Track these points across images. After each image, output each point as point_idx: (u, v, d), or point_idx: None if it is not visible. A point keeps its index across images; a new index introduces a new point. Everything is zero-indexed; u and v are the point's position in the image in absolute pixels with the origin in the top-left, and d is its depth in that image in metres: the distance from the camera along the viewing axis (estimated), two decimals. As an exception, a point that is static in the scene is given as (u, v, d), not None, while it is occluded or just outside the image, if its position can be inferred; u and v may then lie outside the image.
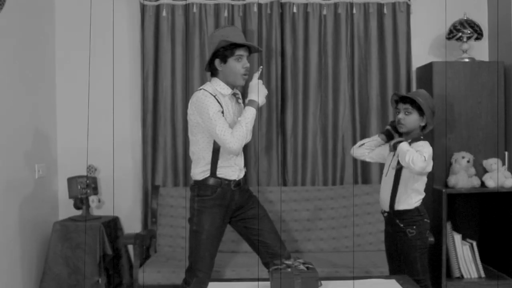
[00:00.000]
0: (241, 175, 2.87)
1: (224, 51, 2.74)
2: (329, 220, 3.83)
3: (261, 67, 2.96)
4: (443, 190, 3.54)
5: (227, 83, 2.80)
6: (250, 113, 2.74)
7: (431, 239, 3.19)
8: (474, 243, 3.69)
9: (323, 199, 3.87)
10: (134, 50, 4.07)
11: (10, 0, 3.39)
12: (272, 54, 3.99)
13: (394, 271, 2.94)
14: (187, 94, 3.98)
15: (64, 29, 4.08)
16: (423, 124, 2.83)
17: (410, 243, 2.79)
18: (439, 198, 3.58)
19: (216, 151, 2.76)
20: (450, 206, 3.73)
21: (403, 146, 2.75)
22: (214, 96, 2.73)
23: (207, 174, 2.78)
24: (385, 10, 4.02)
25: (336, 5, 4.03)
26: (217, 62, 2.77)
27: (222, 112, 2.72)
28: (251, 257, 3.61)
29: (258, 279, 2.65)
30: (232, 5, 4.01)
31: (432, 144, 3.72)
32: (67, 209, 3.99)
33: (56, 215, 4.05)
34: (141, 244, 3.59)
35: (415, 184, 2.80)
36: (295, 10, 4.03)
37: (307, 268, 2.40)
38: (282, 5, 4.03)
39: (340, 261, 3.47)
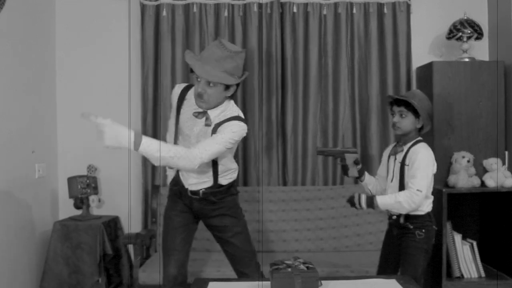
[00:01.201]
0: (200, 186, 2.74)
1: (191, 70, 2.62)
2: (329, 219, 3.83)
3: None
4: (443, 190, 3.54)
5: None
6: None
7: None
8: (474, 243, 3.69)
9: (323, 198, 3.87)
10: (134, 50, 4.07)
11: (10, 0, 3.38)
12: (272, 54, 3.99)
13: (383, 274, 2.90)
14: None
15: (64, 29, 4.08)
16: (419, 126, 2.77)
17: (417, 245, 2.72)
18: (439, 198, 3.57)
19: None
20: (450, 206, 3.73)
21: (384, 202, 2.67)
22: (187, 91, 2.65)
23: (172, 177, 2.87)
24: (385, 10, 4.02)
25: (336, 5, 4.03)
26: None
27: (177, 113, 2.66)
28: (251, 256, 3.62)
29: (263, 277, 2.65)
30: (232, 5, 4.01)
31: (432, 144, 3.73)
32: (67, 209, 3.99)
33: (56, 215, 4.05)
34: (141, 243, 3.59)
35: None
36: (295, 10, 4.03)
37: (307, 267, 2.40)
38: (282, 5, 4.03)
39: (340, 261, 3.47)
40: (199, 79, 2.55)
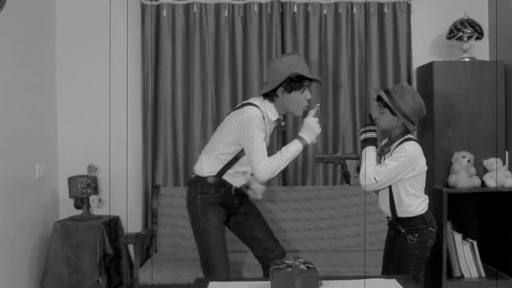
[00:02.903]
0: (243, 182, 2.91)
1: (291, 82, 2.70)
2: (329, 219, 3.83)
3: (318, 105, 2.95)
4: (444, 190, 3.54)
5: (283, 110, 2.79)
6: (295, 148, 2.72)
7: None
8: (475, 243, 3.69)
9: (324, 198, 3.87)
10: (134, 50, 4.07)
11: (10, 0, 3.38)
12: (272, 53, 3.99)
13: (386, 274, 2.85)
14: (187, 94, 3.99)
15: (64, 29, 4.08)
16: (399, 124, 2.58)
17: (407, 250, 2.61)
18: (440, 197, 3.58)
19: (235, 159, 2.78)
20: (451, 205, 3.73)
21: (367, 152, 2.60)
22: (263, 118, 2.71)
23: (214, 173, 2.78)
24: (385, 10, 4.02)
25: (336, 5, 4.03)
26: (280, 90, 2.71)
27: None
28: (251, 256, 3.61)
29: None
30: (233, 5, 4.01)
31: (432, 144, 3.74)
32: (67, 209, 3.99)
33: (57, 215, 4.05)
34: (142, 243, 3.59)
35: (408, 188, 2.58)
36: (295, 10, 4.03)
37: (308, 267, 2.40)
38: (282, 5, 4.03)
39: (341, 261, 3.47)
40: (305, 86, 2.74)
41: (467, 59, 3.85)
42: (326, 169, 4.04)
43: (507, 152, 3.80)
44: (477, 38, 3.90)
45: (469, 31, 3.85)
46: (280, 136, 4.01)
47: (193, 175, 2.87)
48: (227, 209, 2.87)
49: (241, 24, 4.01)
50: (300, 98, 2.74)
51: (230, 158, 2.78)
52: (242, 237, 3.00)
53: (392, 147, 2.63)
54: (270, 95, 2.74)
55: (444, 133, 3.76)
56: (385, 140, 2.77)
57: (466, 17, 3.89)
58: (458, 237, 3.67)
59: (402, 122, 2.57)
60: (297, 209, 3.85)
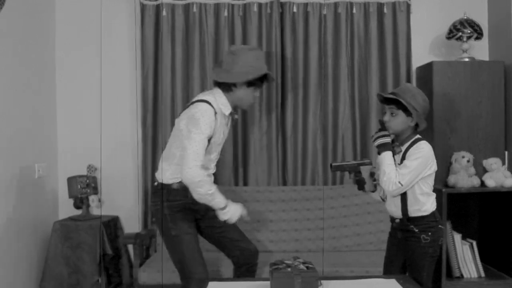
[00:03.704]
0: None
1: (255, 80, 2.76)
2: (329, 219, 3.83)
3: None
4: (443, 190, 3.54)
5: (233, 103, 2.80)
6: (217, 201, 2.69)
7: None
8: (474, 243, 3.69)
9: (323, 198, 3.87)
10: (134, 50, 4.07)
11: (10, 0, 3.38)
12: (272, 54, 3.99)
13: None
14: (187, 94, 3.99)
15: (63, 29, 4.08)
16: (412, 124, 2.60)
17: (422, 250, 2.60)
18: (439, 197, 3.56)
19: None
20: (450, 205, 3.73)
21: (385, 158, 2.57)
22: (215, 114, 2.71)
23: (177, 180, 2.73)
24: (385, 10, 4.02)
25: (336, 5, 4.03)
26: (241, 83, 2.75)
27: (209, 140, 2.70)
28: (251, 256, 3.62)
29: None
30: (232, 5, 4.01)
31: (432, 144, 3.72)
32: (67, 209, 3.99)
33: (56, 215, 4.05)
34: (141, 243, 3.59)
35: (422, 187, 2.59)
36: (295, 10, 4.03)
37: (307, 267, 2.40)
38: (282, 5, 4.03)
39: (340, 261, 3.47)
40: None
41: (467, 59, 3.85)
42: (325, 169, 4.04)
43: (506, 152, 3.80)
44: (477, 38, 3.90)
45: (469, 31, 3.85)
46: (280, 128, 4.02)
47: (155, 183, 2.83)
48: (195, 214, 2.85)
49: (240, 24, 4.01)
50: (251, 94, 2.80)
51: None
52: (215, 241, 2.97)
53: (403, 147, 2.63)
54: (227, 86, 2.76)
55: (444, 133, 3.76)
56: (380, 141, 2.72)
57: (465, 17, 3.89)
58: (457, 237, 3.67)
59: (417, 121, 2.59)
60: (296, 209, 3.85)
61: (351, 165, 2.72)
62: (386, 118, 2.62)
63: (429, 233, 2.59)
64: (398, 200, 2.63)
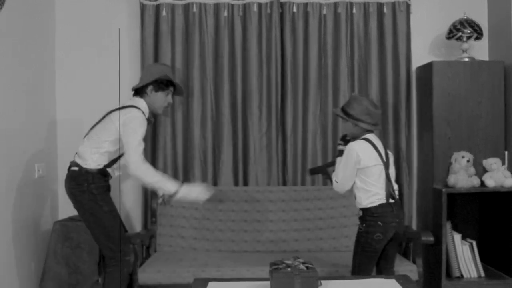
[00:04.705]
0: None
1: (161, 83, 3.22)
2: (328, 219, 3.84)
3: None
4: (443, 190, 3.55)
5: (149, 108, 3.23)
6: (167, 189, 3.09)
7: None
8: (474, 243, 3.69)
9: (323, 198, 3.87)
10: (134, 50, 4.07)
11: (10, 0, 3.38)
12: (271, 54, 3.99)
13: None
14: (187, 94, 3.99)
15: (63, 29, 4.08)
16: (356, 126, 2.98)
17: (357, 237, 2.98)
18: (439, 197, 3.58)
19: (118, 158, 3.16)
20: (450, 205, 3.73)
21: (337, 162, 3.05)
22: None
23: (101, 166, 3.10)
24: (385, 10, 4.02)
25: (336, 5, 4.03)
26: (150, 88, 3.22)
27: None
28: (251, 256, 3.63)
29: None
30: (232, 5, 4.01)
31: (431, 144, 3.75)
32: (67, 209, 3.97)
33: (56, 215, 4.05)
34: (141, 243, 3.59)
35: (357, 182, 2.95)
36: (295, 10, 4.03)
37: (307, 267, 2.41)
38: (282, 5, 4.03)
39: (340, 261, 3.47)
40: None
41: (467, 59, 3.85)
42: (325, 169, 4.05)
43: (506, 152, 3.80)
44: (477, 38, 3.90)
45: (469, 31, 3.85)
46: (280, 128, 4.04)
47: (76, 168, 3.12)
48: None
49: (240, 24, 4.01)
50: (164, 98, 3.27)
51: (115, 156, 3.13)
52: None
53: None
54: (140, 92, 3.23)
55: (444, 133, 3.76)
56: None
57: (465, 17, 3.89)
58: (457, 237, 3.67)
59: (354, 123, 2.97)
60: (296, 209, 3.85)
61: (319, 167, 3.42)
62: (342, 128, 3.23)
63: (364, 225, 2.94)
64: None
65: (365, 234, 2.92)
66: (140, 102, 3.21)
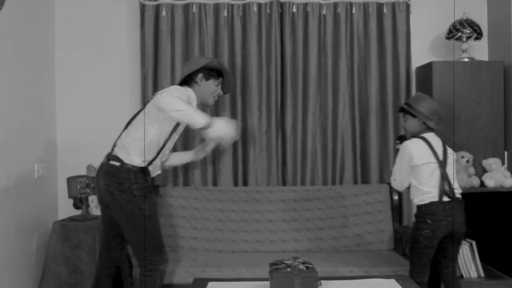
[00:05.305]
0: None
1: (210, 70, 3.05)
2: (328, 219, 3.84)
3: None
4: (443, 190, 3.55)
5: (198, 99, 3.02)
6: (202, 120, 2.70)
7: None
8: (474, 243, 3.69)
9: (323, 198, 3.87)
10: (133, 50, 4.07)
11: (10, 0, 3.38)
12: (271, 53, 3.99)
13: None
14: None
15: (63, 29, 4.08)
16: (419, 123, 3.07)
17: (412, 233, 3.06)
18: (439, 197, 3.58)
19: (163, 146, 2.93)
20: (450, 205, 3.73)
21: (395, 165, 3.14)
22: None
23: (146, 164, 2.87)
24: (384, 10, 4.02)
25: (335, 5, 4.03)
26: (200, 76, 3.04)
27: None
28: (251, 256, 3.63)
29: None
30: (232, 5, 4.01)
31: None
32: (66, 209, 3.99)
33: (56, 215, 4.05)
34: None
35: (412, 180, 3.05)
36: (294, 10, 4.03)
37: (307, 267, 2.41)
38: (281, 5, 4.03)
39: (340, 261, 3.47)
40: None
41: (466, 60, 3.85)
42: (325, 169, 4.05)
43: (506, 152, 3.80)
44: (476, 38, 3.91)
45: (468, 31, 3.85)
46: (279, 128, 4.03)
47: (117, 163, 2.84)
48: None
49: (240, 24, 4.01)
50: (214, 87, 3.08)
51: (159, 146, 2.91)
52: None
53: None
54: (189, 81, 3.03)
55: (444, 133, 3.75)
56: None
57: (465, 17, 3.89)
58: (457, 237, 3.67)
59: (423, 121, 3.04)
60: (296, 209, 3.85)
61: None
62: (402, 123, 3.23)
63: (414, 221, 3.05)
64: None
65: (416, 230, 3.00)
66: (188, 91, 2.96)
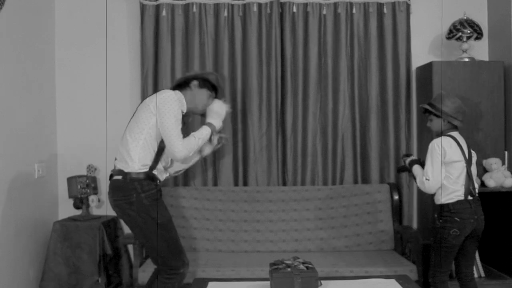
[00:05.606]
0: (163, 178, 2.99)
1: (207, 82, 3.03)
2: (328, 219, 3.84)
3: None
4: (443, 190, 3.54)
5: (188, 105, 2.98)
6: (205, 132, 2.96)
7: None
8: (474, 243, 3.69)
9: (323, 198, 3.87)
10: (133, 50, 4.07)
11: (10, -1, 3.39)
12: (271, 53, 3.99)
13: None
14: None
15: (63, 29, 4.08)
16: (445, 123, 3.05)
17: (433, 233, 3.04)
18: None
19: (161, 150, 2.86)
20: (450, 205, 3.73)
21: (416, 170, 3.12)
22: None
23: (147, 168, 2.81)
24: (385, 10, 4.02)
25: (336, 5, 4.03)
26: (195, 82, 3.01)
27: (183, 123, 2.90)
28: (251, 256, 3.63)
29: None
30: (232, 5, 4.01)
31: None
32: (67, 209, 3.99)
33: (56, 215, 4.05)
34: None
35: (443, 180, 2.99)
36: (294, 10, 4.03)
37: (307, 267, 2.41)
38: (282, 5, 4.03)
39: (340, 261, 3.47)
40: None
41: (467, 59, 3.85)
42: (325, 169, 4.04)
43: (506, 152, 3.80)
44: (477, 38, 3.90)
45: (469, 31, 3.85)
46: (280, 128, 4.03)
47: (119, 177, 2.80)
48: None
49: (240, 24, 4.01)
50: (206, 99, 3.03)
51: (155, 147, 2.85)
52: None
53: None
54: (183, 85, 3.01)
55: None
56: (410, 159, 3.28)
57: (465, 17, 3.89)
58: (457, 237, 3.66)
59: (448, 120, 3.04)
60: (296, 209, 3.85)
61: (405, 165, 3.30)
62: (428, 124, 3.17)
63: (440, 221, 2.97)
64: None
65: (442, 230, 2.94)
66: (181, 98, 2.94)
